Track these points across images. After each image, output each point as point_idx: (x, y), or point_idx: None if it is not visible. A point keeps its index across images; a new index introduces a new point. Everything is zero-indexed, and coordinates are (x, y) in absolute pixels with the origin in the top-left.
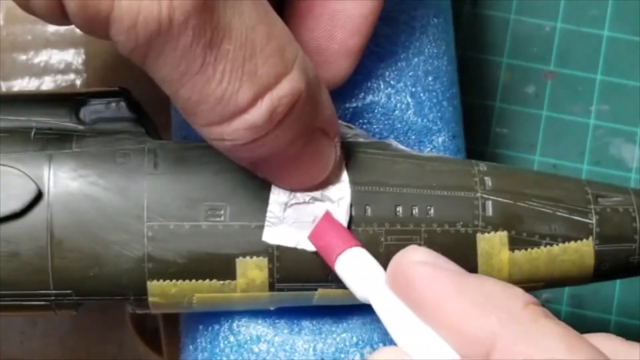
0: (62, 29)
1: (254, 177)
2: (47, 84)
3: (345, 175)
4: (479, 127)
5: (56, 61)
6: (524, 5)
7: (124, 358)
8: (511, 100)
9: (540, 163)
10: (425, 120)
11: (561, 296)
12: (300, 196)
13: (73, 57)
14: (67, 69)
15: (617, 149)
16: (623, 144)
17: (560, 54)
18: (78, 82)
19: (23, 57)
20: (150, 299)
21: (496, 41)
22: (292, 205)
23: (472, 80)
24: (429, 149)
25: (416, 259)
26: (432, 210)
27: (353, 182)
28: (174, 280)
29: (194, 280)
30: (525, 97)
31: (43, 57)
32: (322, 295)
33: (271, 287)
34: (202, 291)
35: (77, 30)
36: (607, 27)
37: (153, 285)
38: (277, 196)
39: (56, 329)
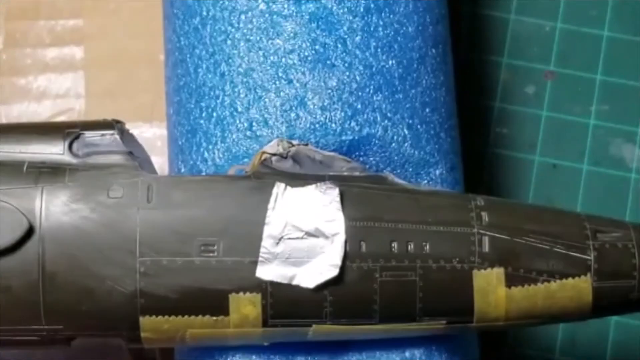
0: (62, 53)
1: (248, 213)
2: (46, 108)
3: (339, 211)
4: (479, 127)
5: (55, 85)
6: (524, 5)
7: None
8: (511, 100)
9: (540, 163)
10: (422, 152)
11: None
12: (295, 231)
13: (72, 81)
14: (66, 93)
15: (617, 149)
16: (623, 144)
17: (560, 54)
18: (77, 107)
19: (22, 81)
20: (142, 334)
21: (496, 41)
22: (286, 239)
23: (472, 80)
24: (426, 182)
25: None
26: (427, 246)
27: (348, 218)
28: (166, 316)
29: (186, 316)
30: (525, 97)
31: (42, 81)
32: (316, 331)
33: (265, 323)
34: (195, 327)
35: (77, 55)
36: (607, 27)
37: (145, 321)
38: (271, 230)
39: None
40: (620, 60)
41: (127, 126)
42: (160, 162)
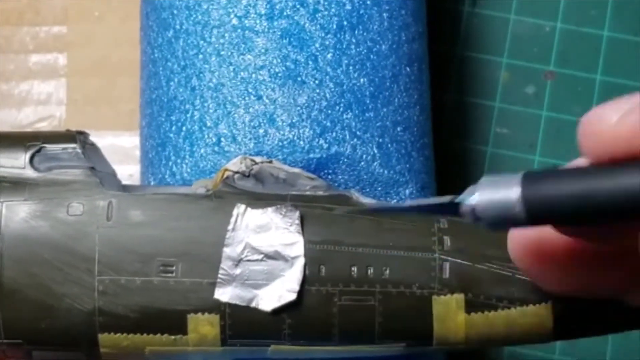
0: (45, 59)
1: (207, 234)
2: (27, 114)
3: (300, 234)
4: (479, 127)
5: (37, 92)
6: (524, 5)
7: None
8: (511, 100)
9: (540, 163)
10: (392, 171)
11: None
12: (254, 253)
13: (54, 88)
14: (47, 100)
15: None
16: None
17: (560, 54)
18: (57, 114)
19: (4, 87)
20: (102, 349)
21: (496, 41)
22: (245, 261)
23: (472, 80)
24: (395, 201)
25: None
26: (387, 271)
27: (308, 241)
28: (125, 334)
29: (145, 334)
30: (525, 97)
31: (24, 87)
32: (275, 350)
33: (223, 342)
34: (154, 344)
35: (59, 62)
36: (607, 27)
37: (104, 338)
38: (230, 251)
39: None
40: (620, 60)
41: (108, 134)
42: (138, 171)
